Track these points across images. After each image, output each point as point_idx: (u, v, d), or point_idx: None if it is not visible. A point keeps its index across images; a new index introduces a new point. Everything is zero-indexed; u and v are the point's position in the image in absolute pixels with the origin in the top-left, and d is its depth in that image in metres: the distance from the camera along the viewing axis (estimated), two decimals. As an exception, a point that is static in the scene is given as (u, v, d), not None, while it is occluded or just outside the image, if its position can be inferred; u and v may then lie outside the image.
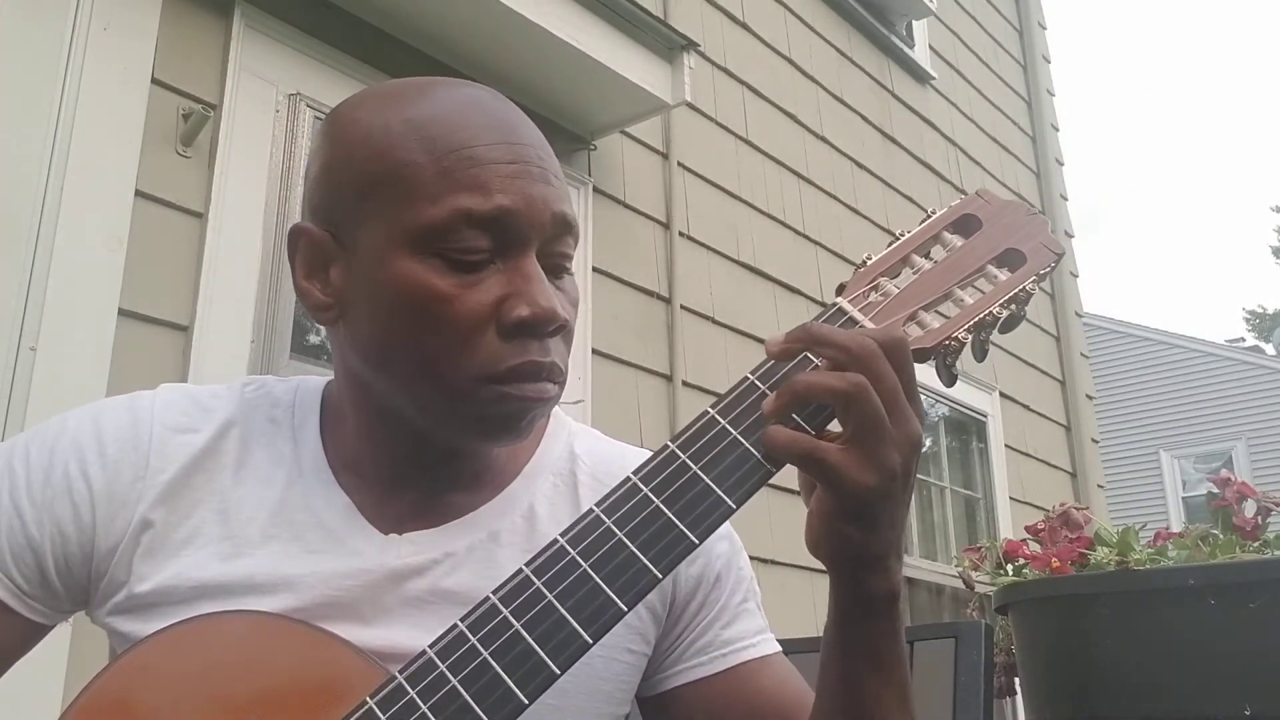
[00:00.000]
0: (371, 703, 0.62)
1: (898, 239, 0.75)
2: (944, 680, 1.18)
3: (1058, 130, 5.81)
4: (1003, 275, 0.72)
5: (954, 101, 5.07)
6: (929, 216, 0.76)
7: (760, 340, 3.39)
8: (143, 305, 2.03)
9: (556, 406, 0.83)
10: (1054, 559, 1.52)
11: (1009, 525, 4.48)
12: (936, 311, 0.71)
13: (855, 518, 0.64)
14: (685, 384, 3.18)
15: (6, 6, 1.97)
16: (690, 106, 3.33)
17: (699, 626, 0.81)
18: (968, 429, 4.69)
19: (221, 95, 2.23)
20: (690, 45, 3.05)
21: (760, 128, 3.80)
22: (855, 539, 0.65)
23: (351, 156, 0.73)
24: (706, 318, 3.36)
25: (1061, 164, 5.74)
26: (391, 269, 0.70)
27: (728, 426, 0.66)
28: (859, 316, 0.70)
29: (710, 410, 0.66)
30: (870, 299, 0.71)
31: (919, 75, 4.85)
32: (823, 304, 0.74)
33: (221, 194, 2.17)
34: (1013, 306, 0.72)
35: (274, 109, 2.33)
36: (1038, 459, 4.93)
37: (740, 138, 3.71)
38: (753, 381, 0.67)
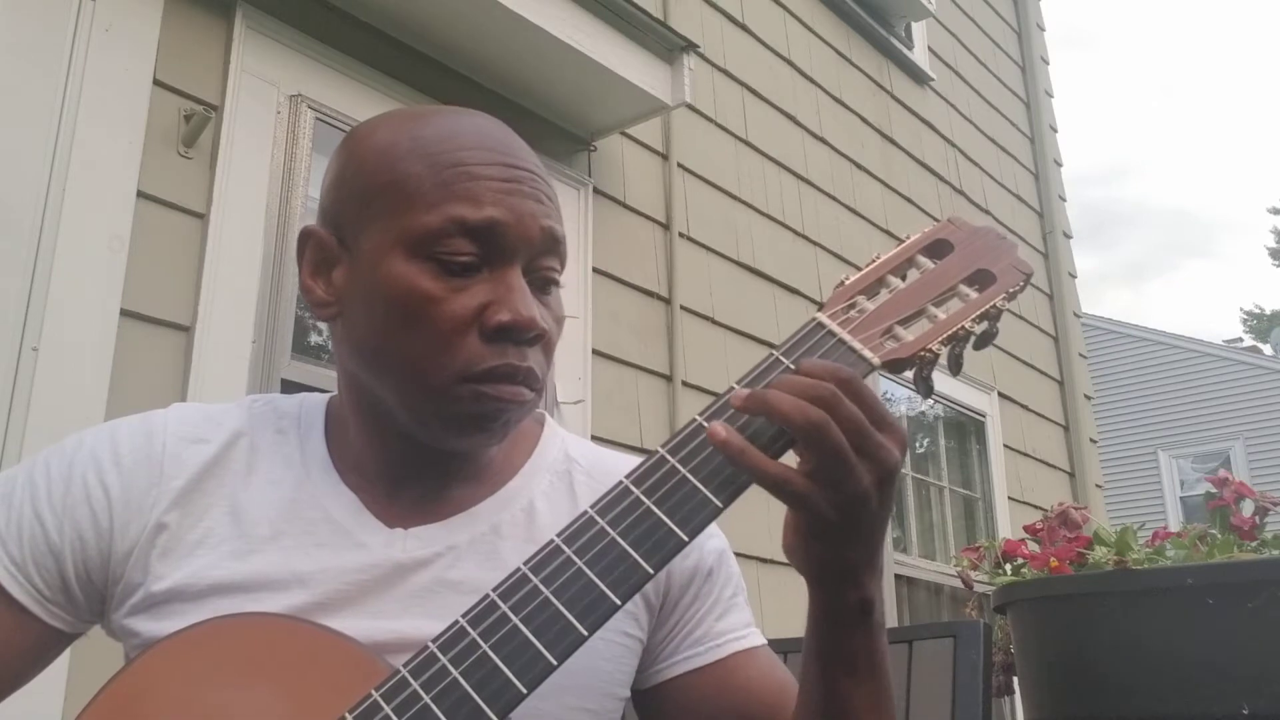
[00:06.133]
0: (376, 695, 0.64)
1: (873, 262, 0.79)
2: (943, 680, 1.19)
3: (1056, 131, 5.82)
4: (974, 293, 0.76)
5: (953, 103, 5.07)
6: (903, 242, 0.80)
7: (760, 340, 3.38)
8: (144, 306, 2.04)
9: (549, 415, 0.91)
10: (1052, 558, 1.53)
11: (1007, 525, 4.49)
12: (912, 326, 0.74)
13: (822, 535, 0.67)
14: (685, 384, 3.19)
15: (8, 8, 1.97)
16: (690, 108, 3.34)
17: (693, 619, 0.85)
18: (966, 429, 4.70)
19: (223, 96, 2.23)
20: (690, 46, 3.05)
21: (760, 129, 3.81)
22: (825, 554, 0.68)
23: (362, 167, 0.79)
24: (706, 318, 3.36)
25: (1060, 165, 5.75)
26: (387, 270, 0.75)
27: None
28: (837, 330, 0.73)
29: (698, 418, 0.70)
30: (848, 315, 0.75)
31: (918, 76, 4.86)
32: (822, 304, 0.76)
33: (223, 195, 2.18)
34: (985, 323, 0.76)
35: (275, 110, 2.33)
36: (1036, 459, 4.94)
37: (740, 139, 3.72)
38: (729, 396, 0.70)
